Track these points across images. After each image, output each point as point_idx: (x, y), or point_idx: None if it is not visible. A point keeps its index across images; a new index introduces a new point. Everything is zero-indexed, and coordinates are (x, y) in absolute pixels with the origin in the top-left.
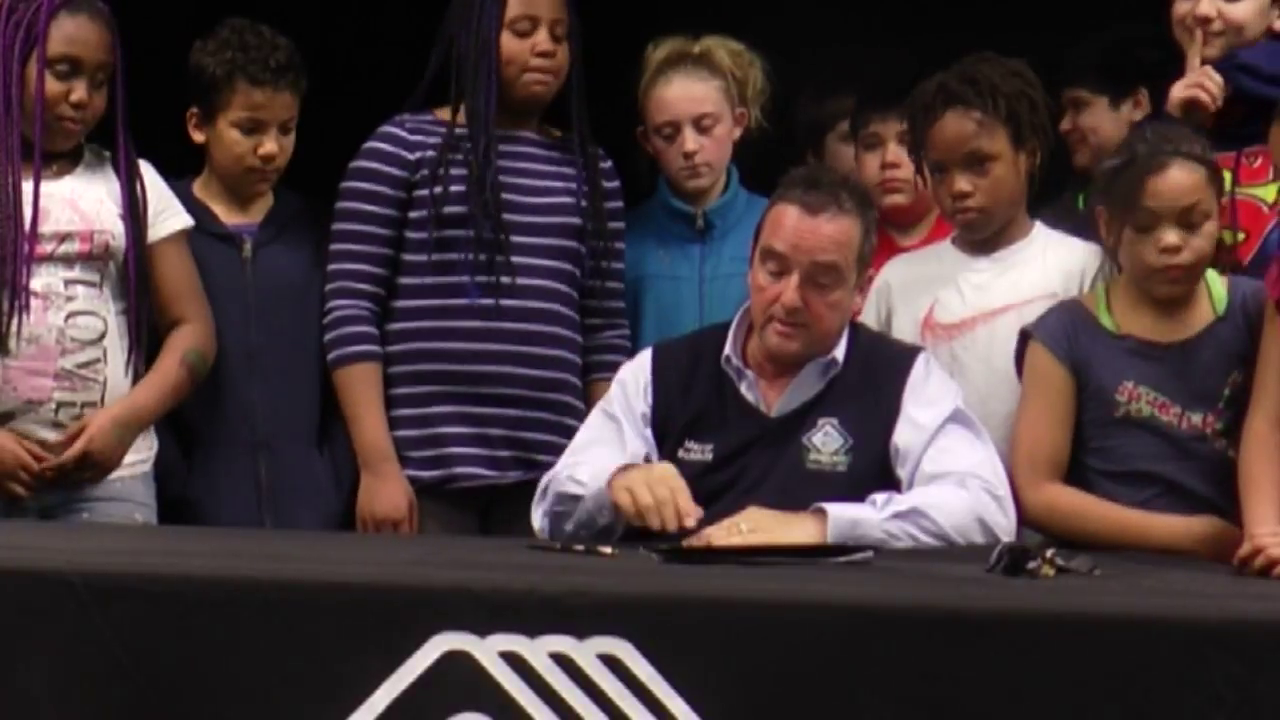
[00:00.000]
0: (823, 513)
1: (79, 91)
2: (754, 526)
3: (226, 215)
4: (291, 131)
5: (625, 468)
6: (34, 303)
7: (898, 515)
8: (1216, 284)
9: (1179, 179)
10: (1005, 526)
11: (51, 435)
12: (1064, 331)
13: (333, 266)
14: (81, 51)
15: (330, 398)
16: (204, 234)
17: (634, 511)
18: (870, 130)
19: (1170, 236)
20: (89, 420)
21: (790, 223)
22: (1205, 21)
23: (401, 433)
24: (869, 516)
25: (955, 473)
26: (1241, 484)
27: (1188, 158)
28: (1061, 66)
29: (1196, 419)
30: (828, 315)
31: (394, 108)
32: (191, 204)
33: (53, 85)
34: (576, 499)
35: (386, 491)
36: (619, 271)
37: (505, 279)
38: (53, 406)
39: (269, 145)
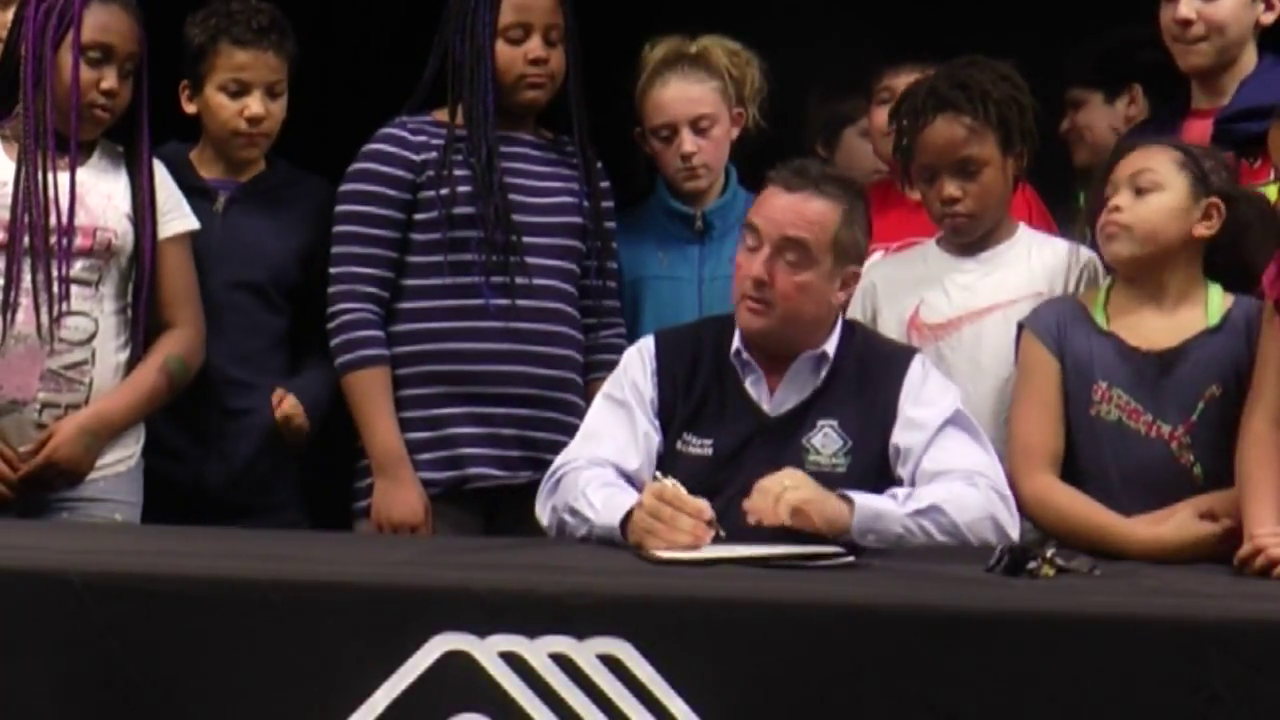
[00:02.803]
0: (848, 500)
1: (109, 80)
2: (796, 484)
3: (209, 173)
4: (281, 96)
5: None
6: (24, 301)
7: (918, 512)
8: (1216, 296)
9: (1141, 155)
10: (1013, 526)
11: (36, 436)
12: (1055, 324)
13: (337, 269)
14: (114, 40)
15: (294, 361)
16: (180, 186)
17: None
18: (884, 85)
19: (1115, 199)
20: (56, 428)
21: (768, 199)
22: (1186, 25)
23: (412, 435)
24: (891, 510)
25: (960, 470)
26: (1241, 484)
27: (1164, 144)
28: (1057, 67)
29: (1166, 429)
30: (795, 295)
31: (395, 103)
32: (179, 162)
33: (85, 72)
34: (585, 519)
35: (402, 496)
36: (615, 271)
37: (521, 279)
38: (37, 407)
39: (255, 106)
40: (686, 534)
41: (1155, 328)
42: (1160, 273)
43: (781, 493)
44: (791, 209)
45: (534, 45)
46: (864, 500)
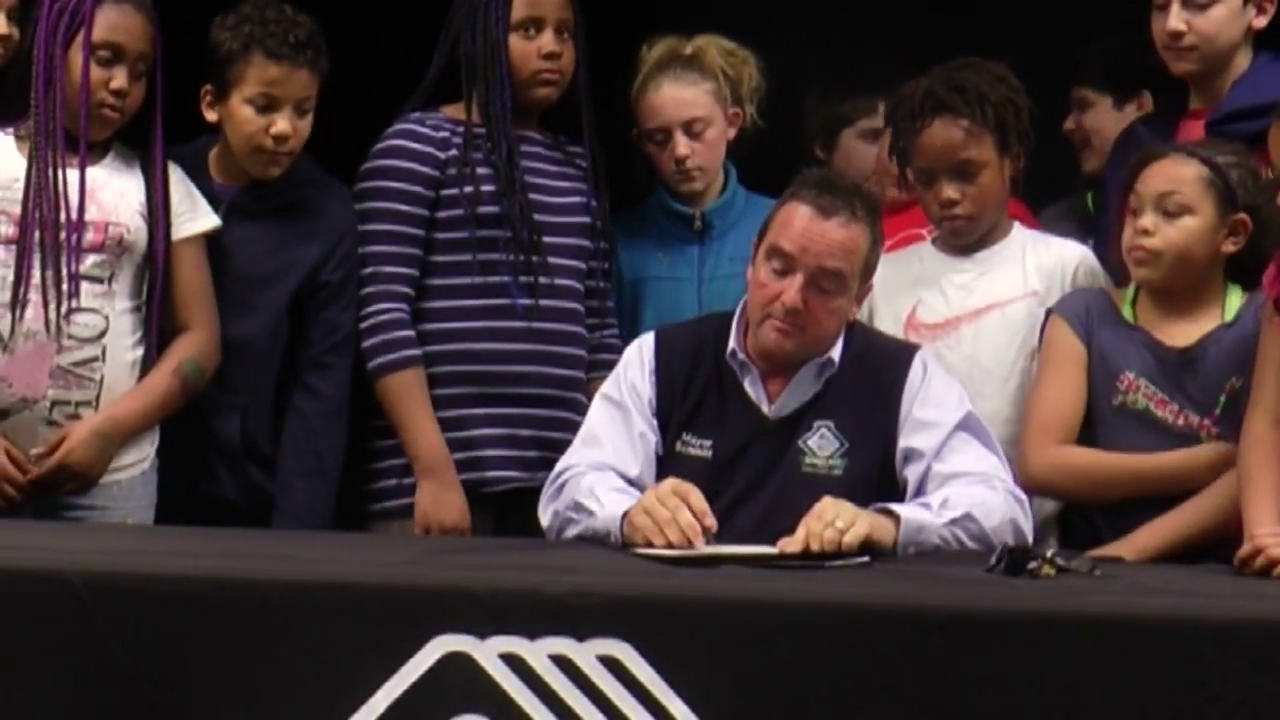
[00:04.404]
0: (891, 514)
1: (119, 79)
2: (846, 519)
3: (220, 179)
4: (308, 114)
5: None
6: (34, 297)
7: (953, 521)
8: (1234, 295)
9: (1165, 168)
10: (1030, 529)
11: (47, 434)
12: (1084, 310)
13: (367, 270)
14: (124, 39)
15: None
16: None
17: (647, 542)
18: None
19: (1143, 220)
20: (69, 430)
21: (800, 223)
22: (1177, 36)
23: None
24: (931, 522)
25: (976, 474)
26: (1241, 484)
27: (1190, 154)
28: (1055, 67)
29: (1195, 419)
30: (826, 320)
31: (388, 101)
32: (196, 162)
33: (95, 72)
34: (590, 513)
35: (449, 499)
36: (612, 271)
37: (543, 279)
38: (47, 405)
39: (282, 124)
40: (680, 531)
41: (1178, 326)
42: (1186, 284)
43: (838, 534)
44: (827, 237)
45: (547, 40)
46: (908, 514)
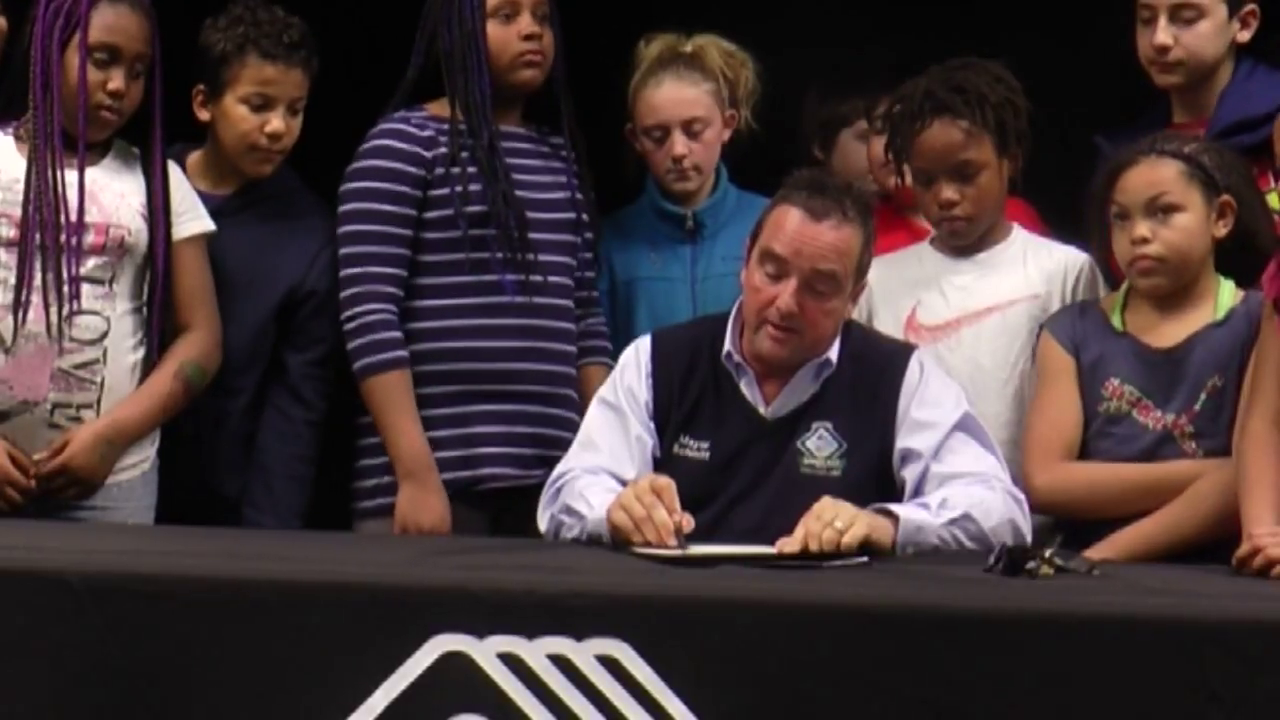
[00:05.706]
0: (890, 514)
1: (116, 81)
2: (845, 519)
3: (202, 185)
4: (299, 114)
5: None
6: (35, 299)
7: (952, 521)
8: (1226, 292)
9: (1144, 172)
10: (1028, 528)
11: (48, 436)
12: (1071, 325)
13: (353, 270)
14: (121, 40)
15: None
16: None
17: (626, 540)
18: (883, 113)
19: (1138, 229)
20: (72, 435)
21: (792, 227)
22: (1163, 50)
23: (432, 434)
24: (930, 522)
25: (974, 474)
26: (1240, 484)
27: (1162, 153)
28: (1051, 66)
29: (1170, 419)
30: (822, 322)
31: (367, 103)
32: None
33: (91, 73)
34: (581, 516)
35: (429, 501)
36: (598, 257)
37: (536, 277)
38: (48, 407)
39: (276, 123)
40: (654, 530)
41: (1169, 326)
42: (1186, 282)
43: (837, 534)
44: (819, 240)
45: (525, 22)
46: (906, 514)
